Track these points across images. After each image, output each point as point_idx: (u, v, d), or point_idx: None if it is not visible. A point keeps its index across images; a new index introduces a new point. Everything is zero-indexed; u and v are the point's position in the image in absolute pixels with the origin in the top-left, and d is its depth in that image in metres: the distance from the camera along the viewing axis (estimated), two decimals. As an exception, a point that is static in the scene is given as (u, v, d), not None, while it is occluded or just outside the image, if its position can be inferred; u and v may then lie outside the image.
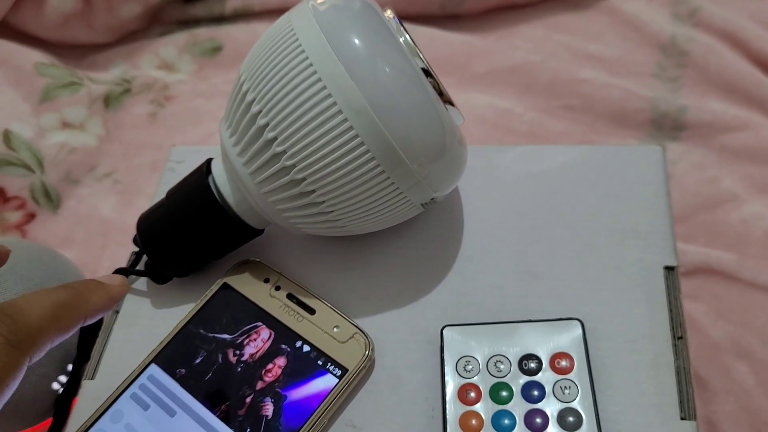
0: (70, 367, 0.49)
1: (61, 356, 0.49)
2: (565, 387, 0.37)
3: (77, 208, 0.69)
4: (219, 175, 0.42)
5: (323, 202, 0.38)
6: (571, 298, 0.42)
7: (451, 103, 0.39)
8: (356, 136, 0.36)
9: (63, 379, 0.49)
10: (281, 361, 0.40)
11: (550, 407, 0.37)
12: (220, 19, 0.83)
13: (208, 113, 0.75)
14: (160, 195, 0.45)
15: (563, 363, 0.38)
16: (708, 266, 0.59)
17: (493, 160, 0.48)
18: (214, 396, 0.39)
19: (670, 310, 0.41)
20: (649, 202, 0.45)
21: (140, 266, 0.46)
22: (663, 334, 0.40)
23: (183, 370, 0.40)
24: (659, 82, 0.71)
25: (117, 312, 0.45)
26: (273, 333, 0.41)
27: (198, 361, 0.41)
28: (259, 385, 0.39)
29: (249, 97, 0.38)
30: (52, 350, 0.48)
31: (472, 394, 0.38)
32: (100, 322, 0.46)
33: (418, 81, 0.37)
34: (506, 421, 0.37)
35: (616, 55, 0.74)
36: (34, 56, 0.76)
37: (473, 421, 0.37)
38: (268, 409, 0.39)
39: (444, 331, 0.40)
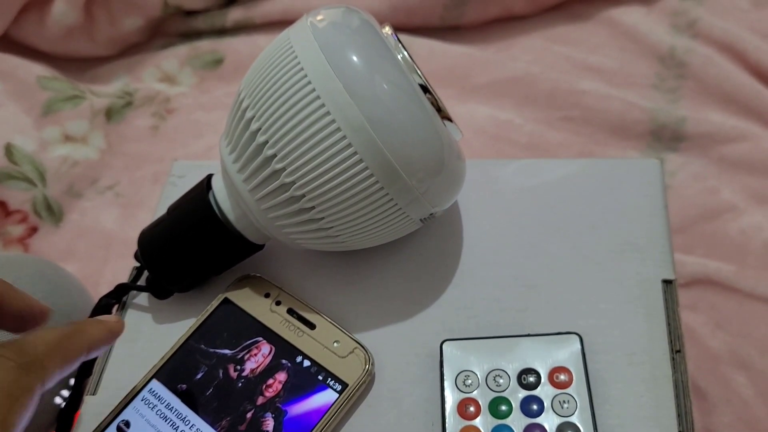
0: (72, 381, 0.49)
1: (63, 370, 0.49)
2: (564, 401, 0.37)
3: (79, 221, 0.70)
4: (219, 191, 0.42)
5: (322, 218, 0.38)
6: (569, 311, 0.42)
7: (450, 119, 0.39)
8: (355, 153, 0.36)
9: (66, 393, 0.50)
10: (282, 377, 0.40)
11: (549, 421, 0.37)
12: (222, 32, 0.83)
13: (209, 126, 0.76)
14: (161, 210, 0.45)
15: (562, 377, 0.38)
16: (707, 277, 0.59)
17: (492, 174, 0.49)
18: (215, 411, 0.40)
19: (668, 324, 0.41)
20: (647, 216, 0.45)
21: (141, 281, 0.46)
22: (661, 347, 0.40)
23: (184, 385, 0.41)
24: (658, 93, 0.71)
25: (118, 327, 0.45)
26: (273, 348, 0.41)
27: (199, 376, 0.41)
28: (260, 400, 0.40)
29: (248, 115, 0.38)
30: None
31: (472, 409, 0.38)
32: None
33: (416, 97, 0.37)
34: (505, 436, 0.37)
35: (616, 66, 0.74)
36: (36, 69, 0.77)
37: (472, 436, 0.37)
38: (269, 424, 0.39)
39: (443, 345, 0.40)
